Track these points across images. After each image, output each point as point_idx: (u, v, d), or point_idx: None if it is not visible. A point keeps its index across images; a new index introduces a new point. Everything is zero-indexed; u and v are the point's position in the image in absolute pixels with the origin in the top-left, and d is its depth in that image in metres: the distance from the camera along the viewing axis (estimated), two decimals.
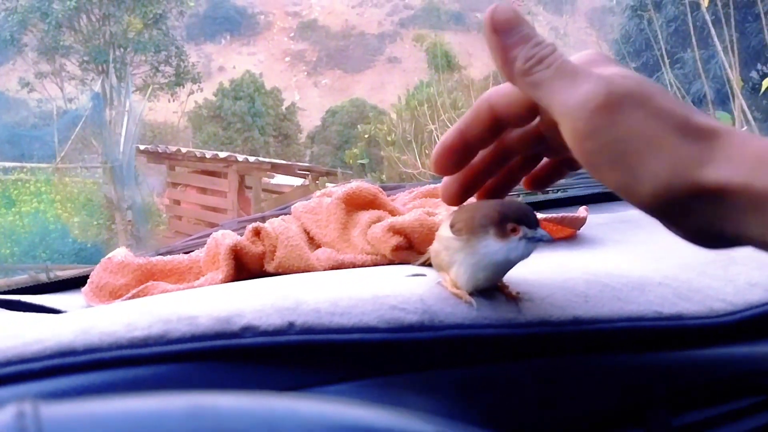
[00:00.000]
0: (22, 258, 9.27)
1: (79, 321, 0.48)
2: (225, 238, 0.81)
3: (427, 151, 7.97)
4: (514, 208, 0.55)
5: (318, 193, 0.98)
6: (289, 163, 12.54)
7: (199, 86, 19.31)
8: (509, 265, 0.55)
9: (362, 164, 10.73)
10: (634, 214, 1.12)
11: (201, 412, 0.24)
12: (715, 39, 4.37)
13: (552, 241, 0.54)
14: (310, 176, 10.45)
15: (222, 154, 10.50)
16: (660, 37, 5.94)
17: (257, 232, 0.82)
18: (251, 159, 10.68)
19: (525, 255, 0.55)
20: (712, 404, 0.66)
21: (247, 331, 0.46)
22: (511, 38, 0.47)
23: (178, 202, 11.07)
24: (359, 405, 0.29)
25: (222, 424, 0.24)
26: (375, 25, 38.42)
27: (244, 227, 0.87)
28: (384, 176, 9.26)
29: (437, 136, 7.67)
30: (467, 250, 0.55)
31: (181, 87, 18.45)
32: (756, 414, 0.67)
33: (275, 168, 10.80)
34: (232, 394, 0.26)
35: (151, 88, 16.41)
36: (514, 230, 0.54)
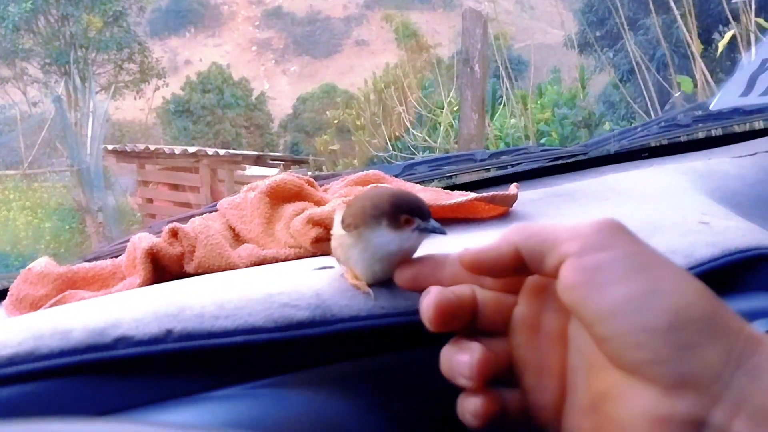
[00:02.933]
0: None
1: None
2: (141, 241, 0.79)
3: (396, 134, 7.92)
4: (407, 200, 0.55)
5: (245, 188, 0.97)
6: (261, 153, 12.46)
7: (164, 81, 19.04)
8: (403, 254, 0.55)
9: (333, 150, 10.66)
10: (568, 187, 1.12)
11: None
12: (672, 3, 4.37)
13: (445, 233, 0.54)
14: (282, 166, 10.40)
15: (191, 149, 10.40)
16: (620, 4, 5.94)
17: (174, 233, 0.80)
18: (221, 152, 10.59)
19: (417, 245, 0.55)
20: None
21: (121, 342, 0.45)
22: None
23: (150, 201, 10.96)
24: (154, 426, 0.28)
25: None
26: (340, 9, 38.11)
27: None
28: (356, 161, 9.20)
29: (405, 117, 7.63)
30: (360, 245, 0.55)
31: (147, 83, 18.18)
32: None
33: (246, 159, 10.73)
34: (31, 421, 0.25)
35: (114, 86, 16.14)
36: (407, 221, 0.54)
